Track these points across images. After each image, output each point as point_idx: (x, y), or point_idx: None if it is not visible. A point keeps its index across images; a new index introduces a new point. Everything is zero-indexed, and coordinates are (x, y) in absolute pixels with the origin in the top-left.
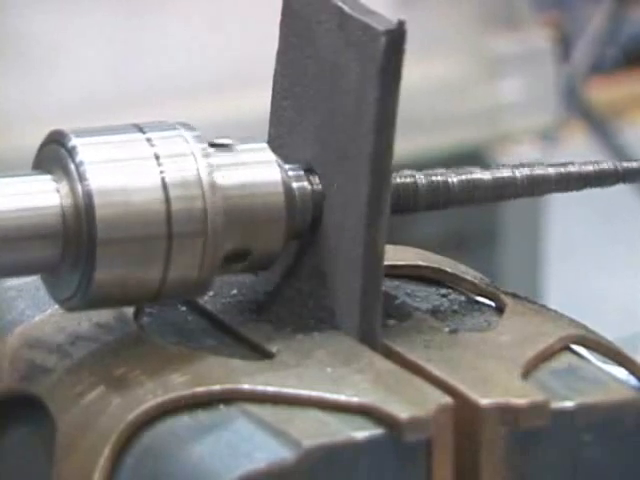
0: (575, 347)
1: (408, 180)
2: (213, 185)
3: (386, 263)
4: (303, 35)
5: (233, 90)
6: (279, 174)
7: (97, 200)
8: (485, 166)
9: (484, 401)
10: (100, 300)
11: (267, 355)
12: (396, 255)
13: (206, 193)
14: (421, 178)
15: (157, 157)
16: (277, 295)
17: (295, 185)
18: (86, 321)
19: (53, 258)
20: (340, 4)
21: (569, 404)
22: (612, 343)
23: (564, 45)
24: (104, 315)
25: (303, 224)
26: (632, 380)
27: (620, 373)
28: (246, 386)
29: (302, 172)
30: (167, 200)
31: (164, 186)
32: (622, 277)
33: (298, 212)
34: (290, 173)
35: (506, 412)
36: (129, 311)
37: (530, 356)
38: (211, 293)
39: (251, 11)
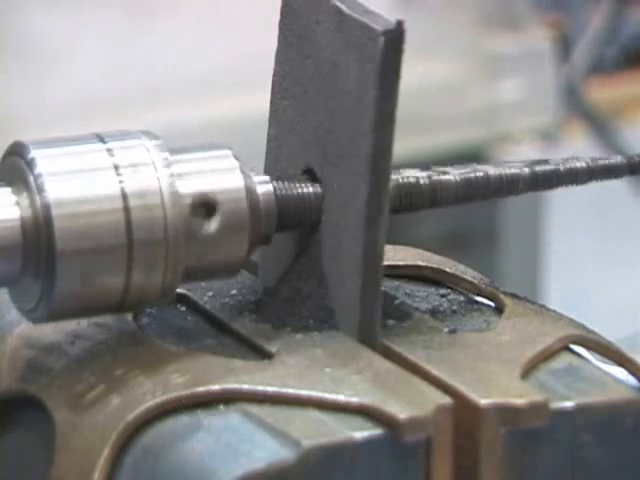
0: (575, 347)
1: (412, 180)
2: (173, 193)
3: (386, 263)
4: (302, 35)
5: (233, 90)
6: (242, 180)
7: (55, 212)
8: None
9: (483, 401)
10: (63, 311)
11: (267, 355)
12: (396, 255)
13: (166, 201)
14: (424, 177)
15: (116, 167)
16: (277, 295)
17: (259, 191)
18: (85, 321)
19: (14, 271)
20: (339, 4)
21: (569, 404)
22: (612, 343)
23: (564, 45)
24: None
25: (268, 229)
26: (632, 380)
27: (620, 373)
28: (246, 386)
29: (267, 177)
30: (126, 209)
31: (123, 196)
32: (622, 277)
33: (263, 218)
34: (255, 179)
35: (505, 412)
36: None
37: (530, 356)
38: (210, 293)
39: (250, 11)
